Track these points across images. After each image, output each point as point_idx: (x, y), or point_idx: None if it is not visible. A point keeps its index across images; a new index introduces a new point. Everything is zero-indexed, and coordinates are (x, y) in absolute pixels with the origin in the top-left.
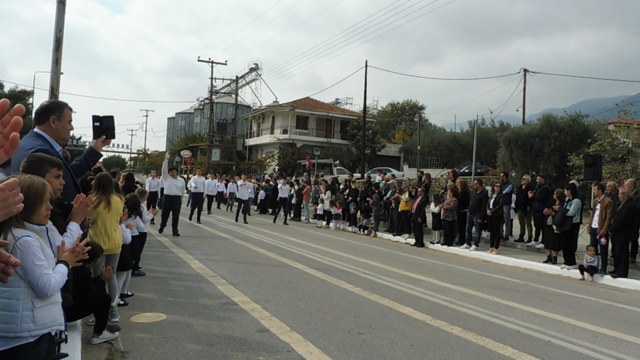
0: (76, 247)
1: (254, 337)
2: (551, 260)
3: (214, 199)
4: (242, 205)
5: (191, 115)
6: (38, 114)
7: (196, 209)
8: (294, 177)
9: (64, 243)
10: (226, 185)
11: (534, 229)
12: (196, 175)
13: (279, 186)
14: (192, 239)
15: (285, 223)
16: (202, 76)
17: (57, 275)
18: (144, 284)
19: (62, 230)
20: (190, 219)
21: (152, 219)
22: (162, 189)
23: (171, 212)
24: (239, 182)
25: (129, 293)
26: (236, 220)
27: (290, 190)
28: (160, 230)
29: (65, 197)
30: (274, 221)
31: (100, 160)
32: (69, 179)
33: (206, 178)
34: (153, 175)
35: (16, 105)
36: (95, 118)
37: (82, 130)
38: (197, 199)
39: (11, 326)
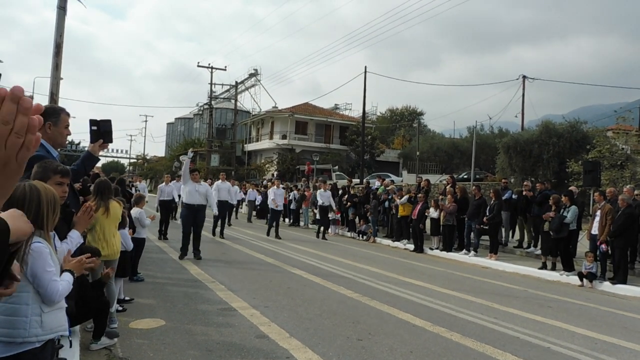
0: (82, 259)
1: (252, 343)
2: (545, 266)
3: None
4: (275, 217)
5: (190, 121)
6: None
7: (219, 221)
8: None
9: (70, 252)
10: (246, 192)
11: (533, 234)
12: (220, 181)
13: (318, 192)
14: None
15: (324, 237)
16: (201, 82)
17: (64, 283)
18: (142, 290)
19: (62, 235)
20: (213, 233)
21: (162, 233)
22: (178, 196)
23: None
24: (273, 189)
25: (127, 298)
26: (268, 234)
27: (290, 196)
28: (182, 256)
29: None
30: (324, 237)
31: (99, 165)
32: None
33: (232, 185)
34: (166, 180)
35: (36, 103)
36: (93, 122)
37: (81, 135)
38: (222, 209)
39: (20, 331)
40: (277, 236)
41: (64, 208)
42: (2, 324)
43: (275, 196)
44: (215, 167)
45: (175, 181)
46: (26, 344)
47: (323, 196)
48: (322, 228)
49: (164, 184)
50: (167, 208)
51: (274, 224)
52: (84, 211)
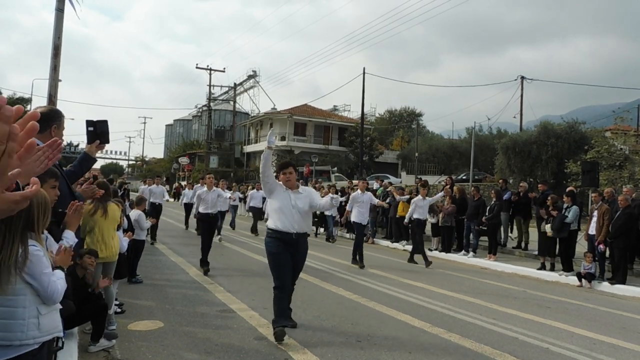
0: (62, 251)
1: (251, 344)
2: (544, 267)
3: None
4: (361, 235)
5: (189, 122)
6: (37, 121)
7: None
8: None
9: (61, 247)
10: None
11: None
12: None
13: (414, 200)
14: (190, 247)
15: (428, 261)
16: (200, 83)
17: (60, 281)
18: (141, 292)
19: (57, 238)
20: None
21: (204, 263)
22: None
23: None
24: (357, 195)
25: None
26: (357, 263)
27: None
28: (280, 335)
29: (61, 205)
30: (428, 261)
31: (98, 166)
32: (65, 187)
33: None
34: (208, 183)
35: (32, 110)
36: (89, 122)
37: (79, 137)
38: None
39: (17, 334)
40: (360, 260)
41: (54, 210)
42: None
43: (359, 206)
44: (214, 168)
45: (219, 188)
46: (24, 347)
47: (421, 206)
48: (417, 248)
49: (204, 189)
50: (210, 224)
51: (358, 244)
52: (73, 210)
